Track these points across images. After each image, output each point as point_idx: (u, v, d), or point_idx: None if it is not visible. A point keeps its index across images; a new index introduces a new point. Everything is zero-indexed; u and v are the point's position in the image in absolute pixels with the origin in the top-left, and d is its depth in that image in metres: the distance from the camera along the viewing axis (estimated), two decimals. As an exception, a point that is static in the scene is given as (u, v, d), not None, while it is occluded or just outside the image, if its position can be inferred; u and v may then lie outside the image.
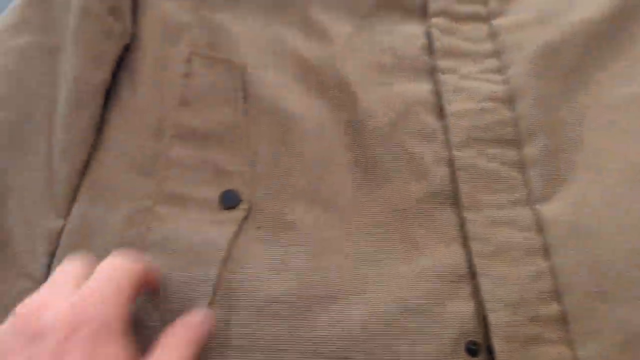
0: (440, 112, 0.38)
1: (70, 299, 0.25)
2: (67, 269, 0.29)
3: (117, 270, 0.27)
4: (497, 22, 0.42)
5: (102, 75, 0.38)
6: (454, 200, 0.35)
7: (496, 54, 0.40)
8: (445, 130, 0.37)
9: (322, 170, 0.36)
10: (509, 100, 0.37)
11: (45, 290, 0.27)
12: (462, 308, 0.31)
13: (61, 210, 0.35)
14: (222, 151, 0.36)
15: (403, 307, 0.31)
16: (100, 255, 0.30)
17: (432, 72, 0.40)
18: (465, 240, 0.34)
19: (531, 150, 0.36)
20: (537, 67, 0.38)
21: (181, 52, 0.40)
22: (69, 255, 0.31)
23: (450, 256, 0.33)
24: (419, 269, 0.33)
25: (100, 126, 0.38)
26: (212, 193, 0.35)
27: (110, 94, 0.39)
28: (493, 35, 0.41)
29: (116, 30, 0.39)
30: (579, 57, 0.39)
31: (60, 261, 0.32)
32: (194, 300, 0.31)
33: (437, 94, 0.38)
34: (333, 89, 0.39)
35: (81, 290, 0.26)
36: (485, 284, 0.32)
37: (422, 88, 0.39)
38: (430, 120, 0.37)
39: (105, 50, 0.38)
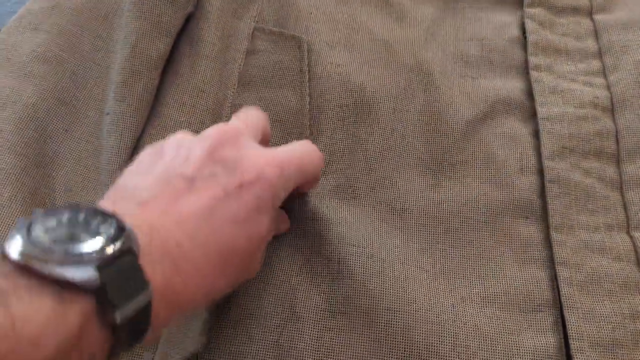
0: (531, 114, 0.33)
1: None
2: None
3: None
4: (600, 17, 0.37)
5: (161, 45, 0.34)
6: (540, 216, 0.31)
7: (599, 54, 0.35)
8: (536, 135, 0.33)
9: (389, 167, 0.32)
10: (612, 109, 0.33)
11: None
12: (540, 343, 0.27)
13: (106, 187, 0.32)
14: (283, 137, 0.33)
15: (472, 335, 0.27)
16: None
17: (524, 69, 0.35)
18: (550, 263, 0.29)
19: (633, 168, 0.31)
20: None
21: (247, 26, 0.36)
22: None
23: (530, 281, 0.29)
24: (493, 292, 0.29)
25: (156, 100, 0.34)
26: None
27: (167, 66, 0.35)
28: (596, 32, 0.36)
29: None
30: None
31: None
32: None
33: (529, 93, 0.34)
34: (411, 71, 0.35)
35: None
36: (572, 318, 0.27)
37: (512, 85, 0.34)
38: (519, 123, 0.33)
39: (166, 17, 0.34)
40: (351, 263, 0.28)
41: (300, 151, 0.27)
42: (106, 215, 0.19)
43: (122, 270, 0.18)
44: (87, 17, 0.37)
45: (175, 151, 0.24)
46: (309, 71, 0.34)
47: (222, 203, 0.22)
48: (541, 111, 0.32)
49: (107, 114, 0.33)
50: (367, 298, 0.28)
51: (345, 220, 0.30)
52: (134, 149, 0.32)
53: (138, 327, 0.19)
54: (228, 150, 0.24)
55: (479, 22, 0.37)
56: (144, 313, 0.18)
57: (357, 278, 0.28)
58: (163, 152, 0.24)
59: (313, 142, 0.30)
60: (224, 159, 0.23)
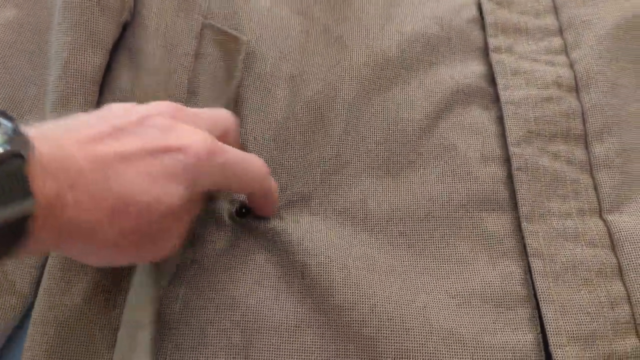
0: (492, 100, 0.32)
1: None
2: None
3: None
4: None
5: (96, 59, 0.31)
6: (508, 206, 0.29)
7: (560, 31, 0.34)
8: (499, 121, 0.31)
9: (346, 172, 0.30)
10: (577, 88, 0.31)
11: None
12: (517, 340, 0.26)
13: None
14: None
15: (445, 339, 0.25)
16: None
17: (483, 51, 0.33)
18: (522, 256, 0.28)
19: (602, 149, 0.30)
20: (610, 50, 0.32)
21: (194, 23, 0.33)
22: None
23: (503, 275, 0.27)
24: (464, 291, 0.27)
25: None
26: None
27: (109, 81, 0.32)
28: (556, 8, 0.35)
29: (113, 3, 0.32)
30: None
31: (50, 273, 0.27)
32: None
33: (489, 78, 0.32)
34: (366, 69, 0.32)
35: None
36: (549, 312, 0.26)
37: (471, 71, 0.32)
38: (480, 111, 0.31)
39: (99, 29, 0.31)
40: (317, 275, 0.26)
41: (243, 155, 0.25)
42: (5, 119, 0.18)
43: (5, 172, 0.17)
44: (20, 33, 0.34)
45: (120, 109, 0.24)
46: (240, 79, 0.32)
47: (140, 157, 0.22)
48: (504, 95, 0.31)
49: None
50: (335, 311, 0.26)
51: (308, 232, 0.28)
52: None
53: (12, 237, 0.18)
54: (167, 120, 0.23)
55: (437, 1, 0.35)
56: (21, 224, 0.18)
57: (324, 290, 0.26)
58: (109, 108, 0.24)
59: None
60: (159, 125, 0.23)
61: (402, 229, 0.29)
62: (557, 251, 0.27)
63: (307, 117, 0.31)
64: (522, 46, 0.33)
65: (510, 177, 0.29)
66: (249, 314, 0.26)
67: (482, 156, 0.30)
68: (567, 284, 0.27)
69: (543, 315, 0.26)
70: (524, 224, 0.28)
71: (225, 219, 0.29)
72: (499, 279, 0.27)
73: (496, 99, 0.32)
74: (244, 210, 0.28)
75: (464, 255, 0.28)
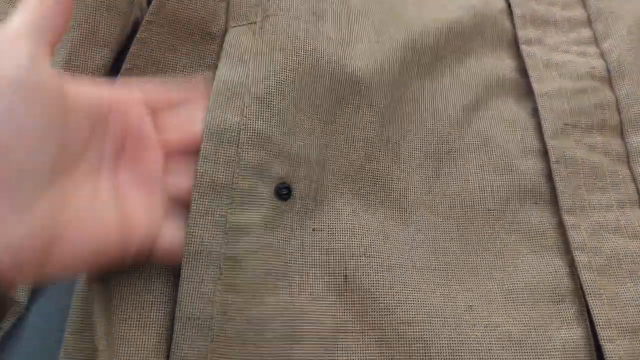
0: (526, 92, 0.31)
1: None
2: None
3: None
4: None
5: (97, 57, 0.30)
6: (550, 199, 0.29)
7: (589, 22, 0.33)
8: (534, 114, 0.31)
9: (387, 160, 0.30)
10: (610, 78, 0.31)
11: None
12: (568, 335, 0.26)
13: None
14: None
15: (495, 336, 0.25)
16: None
17: (514, 43, 0.33)
18: (566, 249, 0.28)
19: (638, 139, 0.29)
20: None
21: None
22: None
23: (548, 270, 0.27)
24: (510, 287, 0.27)
25: None
26: None
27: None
28: (582, 0, 0.34)
29: (119, 3, 0.31)
30: None
31: None
32: None
33: (522, 70, 0.32)
34: (404, 51, 0.31)
35: None
36: (596, 306, 0.26)
37: (503, 63, 0.32)
38: (515, 104, 0.31)
39: (103, 27, 0.30)
40: (359, 276, 0.26)
41: None
42: None
43: None
44: None
45: None
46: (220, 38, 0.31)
47: None
48: (538, 88, 0.31)
49: None
50: (379, 313, 0.25)
51: (348, 227, 0.27)
52: None
53: None
54: None
55: None
56: None
57: (367, 292, 0.25)
58: None
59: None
60: None
61: (446, 223, 0.28)
62: (601, 244, 0.27)
63: (342, 96, 0.30)
64: (552, 38, 0.33)
65: (549, 170, 0.29)
66: (289, 315, 0.25)
67: (522, 149, 0.30)
68: (613, 276, 0.26)
69: (591, 309, 0.26)
70: (565, 217, 0.28)
71: (264, 204, 0.27)
72: (545, 273, 0.27)
73: (529, 92, 0.31)
74: (284, 192, 0.27)
75: (509, 249, 0.28)
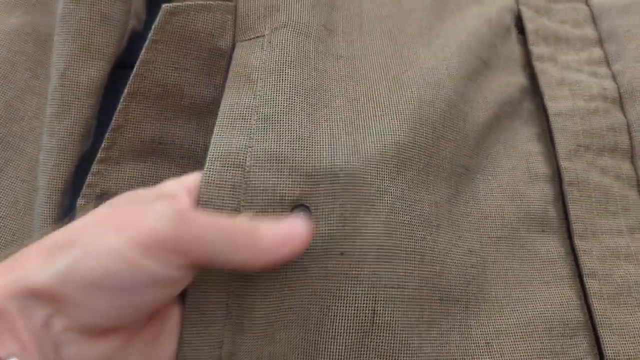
0: (534, 113, 0.31)
1: None
2: None
3: None
4: (597, 2, 0.34)
5: (93, 70, 0.29)
6: (557, 227, 0.28)
7: (599, 41, 0.33)
8: (541, 138, 0.30)
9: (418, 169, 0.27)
10: (621, 100, 0.30)
11: None
12: None
13: (42, 234, 0.27)
14: None
15: None
16: None
17: (520, 62, 0.32)
18: (574, 279, 0.27)
19: None
20: None
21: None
22: None
23: (560, 302, 0.26)
24: (526, 320, 0.26)
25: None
26: None
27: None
28: (594, 18, 0.34)
29: (115, 12, 0.30)
30: None
31: None
32: None
33: (529, 90, 0.31)
34: (433, 49, 0.29)
35: None
36: (607, 336, 0.25)
37: (513, 82, 0.31)
38: (523, 126, 0.30)
39: (98, 39, 0.29)
40: (389, 312, 0.23)
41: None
42: None
43: None
44: (24, 41, 0.32)
45: None
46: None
47: None
48: (551, 106, 0.30)
49: (41, 150, 0.29)
50: (405, 355, 0.23)
51: (376, 249, 0.24)
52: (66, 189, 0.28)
53: None
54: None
55: (481, 4, 0.33)
56: None
57: (395, 332, 0.23)
58: None
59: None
60: None
61: (461, 248, 0.27)
62: (612, 271, 0.26)
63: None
64: (564, 55, 0.32)
65: (557, 196, 0.28)
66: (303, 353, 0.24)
67: (528, 175, 0.29)
68: (623, 305, 0.26)
69: (601, 339, 0.25)
70: (577, 242, 0.27)
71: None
72: (557, 305, 0.26)
73: (535, 113, 0.31)
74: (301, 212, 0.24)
75: (521, 281, 0.27)
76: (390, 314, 0.23)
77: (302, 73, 0.27)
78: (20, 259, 0.20)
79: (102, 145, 0.28)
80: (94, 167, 0.28)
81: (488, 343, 0.25)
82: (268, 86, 0.27)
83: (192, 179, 0.24)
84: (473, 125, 0.28)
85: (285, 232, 0.22)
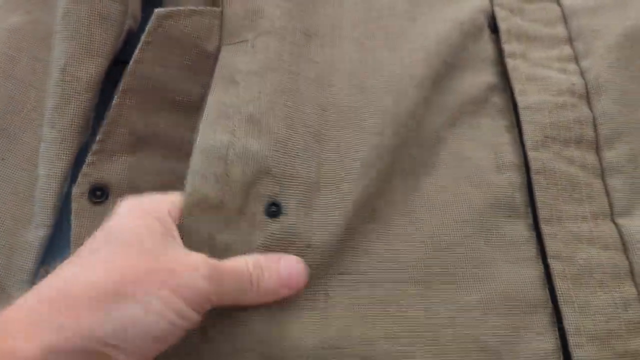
0: (502, 107, 0.32)
1: None
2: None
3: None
4: (567, 2, 0.36)
5: (92, 67, 0.31)
6: (523, 212, 0.30)
7: (569, 40, 0.35)
8: (509, 129, 0.32)
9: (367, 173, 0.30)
10: (588, 95, 0.32)
11: None
12: (540, 345, 0.27)
13: (42, 219, 0.29)
14: None
15: (474, 349, 0.26)
16: None
17: (492, 60, 0.34)
18: (537, 260, 0.29)
19: (612, 155, 0.31)
20: (620, 58, 0.33)
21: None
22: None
23: (524, 281, 0.28)
24: (487, 296, 0.27)
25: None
26: None
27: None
28: (565, 17, 0.36)
29: (113, 12, 0.32)
30: None
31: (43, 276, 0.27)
32: None
33: (498, 87, 0.33)
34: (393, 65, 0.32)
35: None
36: (569, 313, 0.27)
37: (479, 80, 0.33)
38: (488, 120, 0.32)
39: (97, 37, 0.31)
40: (340, 293, 0.27)
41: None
42: None
43: None
44: (24, 39, 0.34)
45: None
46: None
47: None
48: (521, 100, 0.32)
49: (42, 141, 0.31)
50: (362, 326, 0.26)
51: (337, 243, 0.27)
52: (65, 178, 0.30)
53: None
54: None
55: (455, 4, 0.35)
56: None
57: (348, 308, 0.26)
58: None
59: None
60: None
61: (421, 236, 0.29)
62: (575, 254, 0.28)
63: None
64: (535, 53, 0.34)
65: (524, 184, 0.30)
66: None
67: (495, 165, 0.31)
68: (584, 285, 0.28)
69: (563, 317, 0.27)
70: (543, 227, 0.29)
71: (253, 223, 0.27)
72: (520, 284, 0.28)
73: (502, 109, 0.33)
74: (274, 209, 0.27)
75: (487, 259, 0.28)
76: (341, 295, 0.26)
77: (281, 77, 0.30)
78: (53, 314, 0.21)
79: (97, 138, 0.30)
80: (89, 158, 0.30)
81: (452, 318, 0.27)
82: (251, 88, 0.29)
83: (176, 197, 0.26)
84: (433, 127, 0.31)
85: (285, 278, 0.26)
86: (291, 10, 0.32)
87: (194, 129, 0.29)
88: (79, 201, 0.30)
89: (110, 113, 0.30)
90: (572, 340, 0.26)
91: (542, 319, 0.27)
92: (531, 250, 0.29)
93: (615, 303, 0.27)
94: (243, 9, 0.32)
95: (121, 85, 0.30)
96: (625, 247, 0.29)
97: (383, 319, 0.26)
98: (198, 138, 0.27)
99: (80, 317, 0.21)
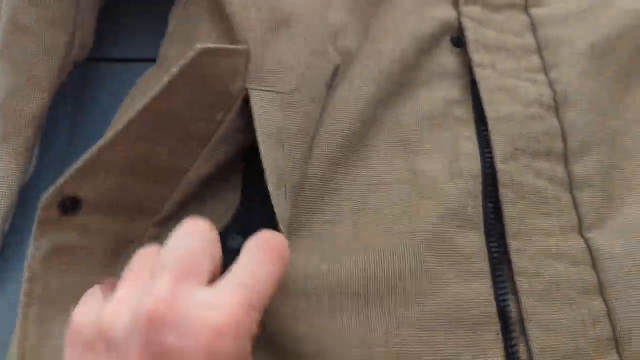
0: (457, 120, 0.32)
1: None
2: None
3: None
4: (536, 12, 0.36)
5: (35, 101, 0.30)
6: (477, 224, 0.29)
7: (538, 50, 0.34)
8: (468, 139, 0.31)
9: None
10: (557, 107, 0.32)
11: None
12: None
13: None
14: None
15: None
16: None
17: (454, 73, 0.33)
18: (489, 275, 0.28)
19: (581, 167, 0.30)
20: (588, 69, 0.32)
21: None
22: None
23: (470, 297, 0.27)
24: (432, 311, 0.26)
25: None
26: None
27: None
28: (533, 27, 0.35)
29: (58, 47, 0.31)
30: (634, 55, 0.33)
31: None
32: None
33: (457, 101, 0.32)
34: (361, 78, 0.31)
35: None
36: (533, 332, 0.26)
37: (439, 95, 0.32)
38: (446, 133, 0.31)
39: (40, 71, 0.30)
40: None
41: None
42: None
43: None
44: None
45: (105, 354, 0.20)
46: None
47: None
48: (490, 111, 0.31)
49: None
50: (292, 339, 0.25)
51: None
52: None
53: None
54: (170, 337, 0.19)
55: (417, 16, 0.34)
56: None
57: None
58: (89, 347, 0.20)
59: None
60: (165, 352, 0.19)
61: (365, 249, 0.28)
62: (542, 270, 0.28)
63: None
64: (504, 64, 0.33)
65: (480, 195, 0.29)
66: None
67: (450, 174, 0.30)
68: (552, 303, 0.27)
69: (528, 335, 0.26)
70: (510, 242, 0.28)
71: None
72: (466, 300, 0.27)
73: (464, 120, 0.32)
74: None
75: (432, 273, 0.27)
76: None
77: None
78: None
79: (86, 156, 0.27)
80: (71, 172, 0.27)
81: (387, 332, 0.26)
82: (295, 152, 0.28)
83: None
84: (383, 148, 0.30)
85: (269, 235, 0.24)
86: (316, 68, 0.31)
87: (195, 159, 0.29)
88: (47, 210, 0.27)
89: (112, 137, 0.27)
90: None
91: (488, 337, 0.26)
92: (482, 263, 0.28)
93: (584, 320, 0.27)
94: (272, 56, 0.30)
95: (136, 114, 0.27)
96: (594, 262, 0.28)
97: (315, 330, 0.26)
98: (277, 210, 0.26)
99: None
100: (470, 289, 0.27)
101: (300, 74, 0.30)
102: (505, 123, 0.31)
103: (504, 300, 0.27)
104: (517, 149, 0.30)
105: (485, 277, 0.27)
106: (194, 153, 0.29)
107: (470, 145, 0.31)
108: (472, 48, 0.34)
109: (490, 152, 0.30)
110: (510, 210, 0.29)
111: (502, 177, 0.29)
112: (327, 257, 0.27)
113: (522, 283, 0.27)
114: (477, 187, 0.30)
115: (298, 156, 0.28)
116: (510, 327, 0.27)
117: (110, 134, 0.27)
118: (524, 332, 0.26)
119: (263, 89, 0.29)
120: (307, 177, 0.28)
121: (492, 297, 0.27)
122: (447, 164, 0.30)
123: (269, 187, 0.26)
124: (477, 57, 0.33)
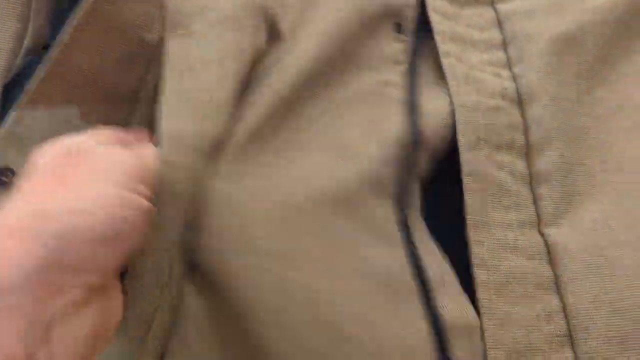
0: (402, 98, 0.31)
1: None
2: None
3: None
4: (502, 7, 0.35)
5: None
6: (390, 193, 0.28)
7: (503, 44, 0.34)
8: (403, 116, 0.31)
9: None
10: (519, 100, 0.32)
11: None
12: (407, 335, 0.25)
13: None
14: None
15: (331, 333, 0.24)
16: None
17: (401, 59, 0.33)
18: (404, 244, 0.27)
19: (542, 162, 0.30)
20: (551, 64, 0.32)
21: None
22: None
23: (385, 264, 0.26)
24: (344, 276, 0.26)
25: None
26: None
27: None
28: (498, 22, 0.35)
29: (7, 31, 0.30)
30: (599, 51, 0.33)
31: None
32: None
33: (404, 82, 0.32)
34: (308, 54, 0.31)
35: None
36: (489, 325, 0.26)
37: (381, 78, 0.32)
38: (378, 108, 0.31)
39: None
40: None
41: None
42: None
43: None
44: None
45: None
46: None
47: None
48: (457, 99, 0.30)
49: None
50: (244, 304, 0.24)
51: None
52: None
53: None
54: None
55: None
56: None
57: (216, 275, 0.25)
58: None
59: None
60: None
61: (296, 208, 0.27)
62: (500, 262, 0.27)
63: None
64: (470, 56, 0.33)
65: (398, 162, 0.29)
66: None
67: (371, 137, 0.30)
68: (507, 296, 0.26)
69: (484, 328, 0.26)
70: (470, 233, 0.27)
71: None
72: (384, 268, 0.26)
73: (398, 100, 0.31)
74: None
75: (350, 239, 0.27)
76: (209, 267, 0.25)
77: (239, 65, 0.29)
78: None
79: (6, 122, 0.27)
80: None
81: (308, 299, 0.24)
82: (211, 74, 0.28)
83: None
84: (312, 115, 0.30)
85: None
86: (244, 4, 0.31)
87: (124, 121, 0.28)
88: None
89: (29, 98, 0.27)
90: (490, 354, 0.25)
91: (410, 309, 0.25)
92: (395, 235, 0.27)
93: (538, 315, 0.26)
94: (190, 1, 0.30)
95: (44, 71, 0.27)
96: (550, 258, 0.28)
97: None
98: (162, 126, 0.25)
99: None
100: (388, 258, 0.26)
101: (218, 9, 0.30)
102: (470, 111, 0.30)
103: (420, 267, 0.27)
104: (480, 139, 0.29)
105: (400, 248, 0.27)
106: (121, 113, 0.29)
107: (399, 120, 0.30)
108: (439, 38, 0.33)
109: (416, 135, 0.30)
110: (472, 200, 0.28)
111: (466, 167, 0.29)
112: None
113: (480, 275, 0.27)
114: (397, 159, 0.29)
115: (218, 76, 0.28)
116: (430, 292, 0.26)
117: (23, 98, 0.26)
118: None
119: (180, 32, 0.29)
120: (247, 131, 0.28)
121: (410, 267, 0.26)
122: (373, 135, 0.30)
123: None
124: (444, 46, 0.33)
